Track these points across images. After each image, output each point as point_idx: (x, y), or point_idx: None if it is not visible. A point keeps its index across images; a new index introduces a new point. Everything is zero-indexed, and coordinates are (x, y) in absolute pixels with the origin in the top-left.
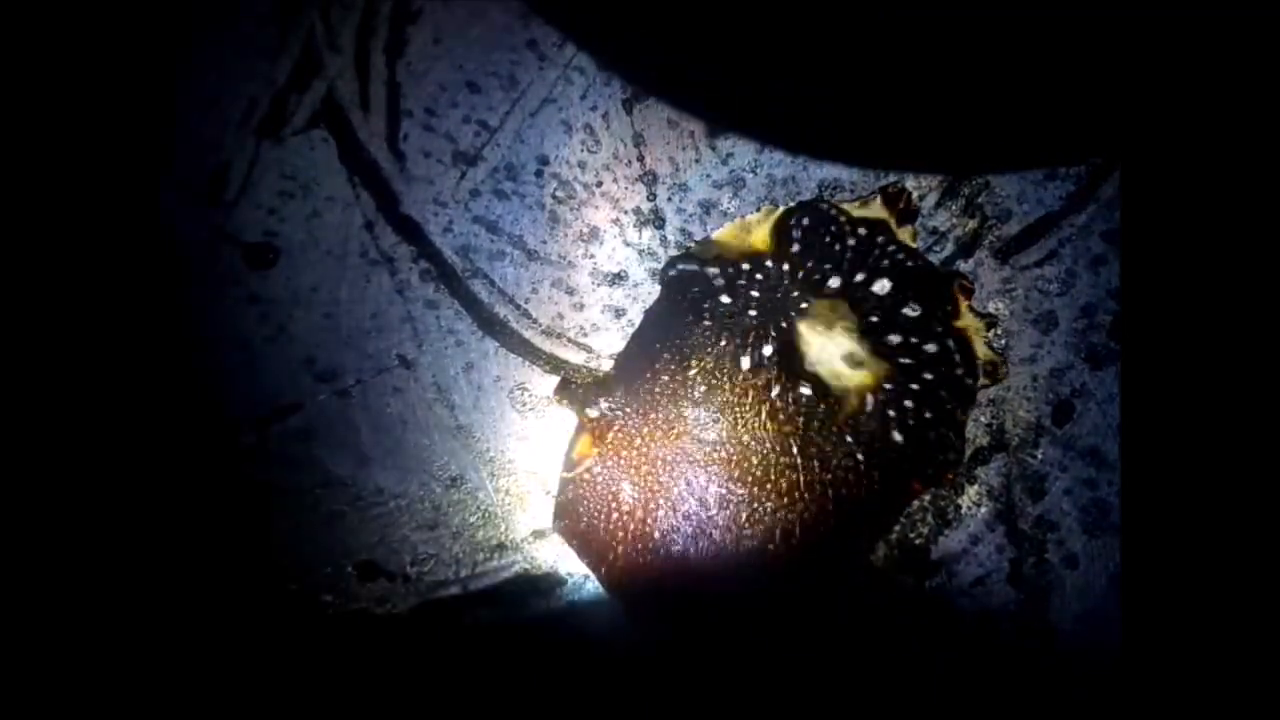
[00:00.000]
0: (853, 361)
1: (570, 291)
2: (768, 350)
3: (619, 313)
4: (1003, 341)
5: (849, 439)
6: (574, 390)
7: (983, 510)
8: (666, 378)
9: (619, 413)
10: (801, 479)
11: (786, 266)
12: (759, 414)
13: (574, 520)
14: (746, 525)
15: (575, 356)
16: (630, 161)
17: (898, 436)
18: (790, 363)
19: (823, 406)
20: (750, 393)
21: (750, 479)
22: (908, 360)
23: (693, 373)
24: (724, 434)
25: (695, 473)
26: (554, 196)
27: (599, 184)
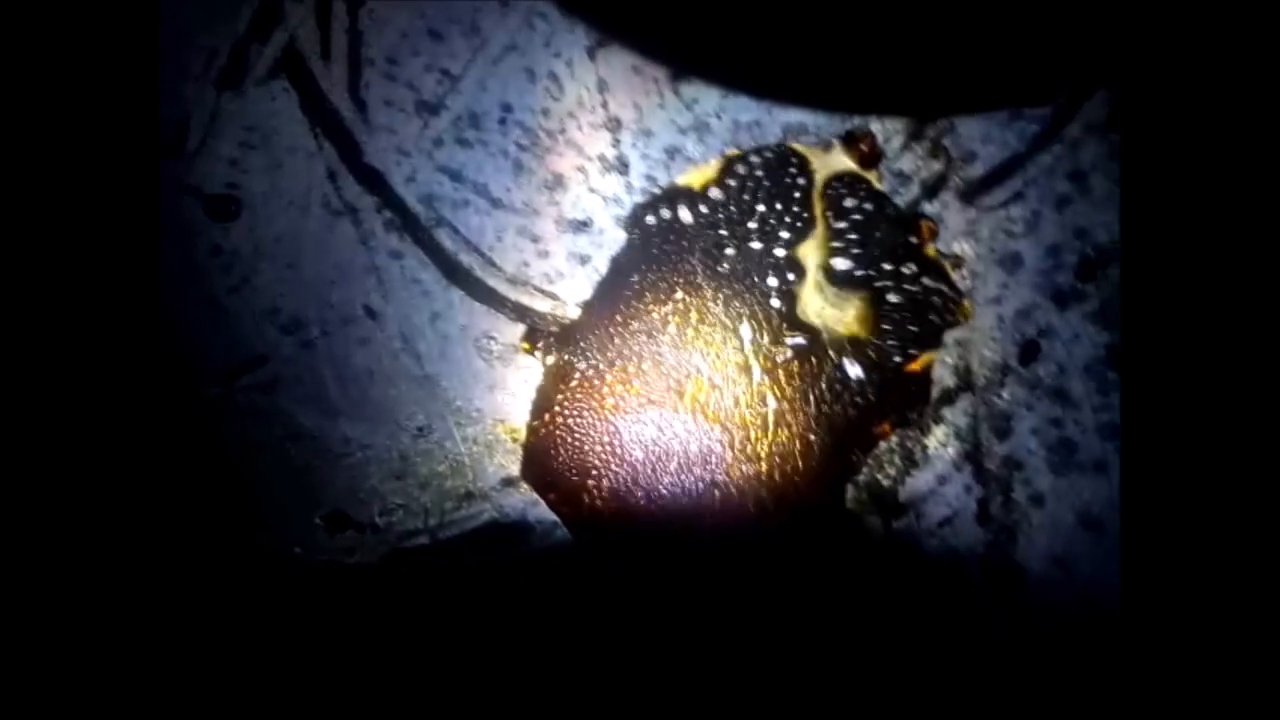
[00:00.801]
0: (822, 302)
1: (535, 239)
2: (737, 293)
3: (584, 260)
4: (968, 282)
5: (820, 380)
6: (541, 338)
7: (950, 450)
8: (634, 324)
9: (586, 360)
10: (773, 422)
11: (752, 210)
12: (728, 358)
13: (543, 468)
14: (716, 470)
15: (541, 304)
16: (594, 108)
17: (866, 377)
18: (759, 305)
19: (792, 348)
20: (720, 337)
21: (720, 423)
22: (876, 300)
23: (661, 318)
24: (693, 379)
25: (665, 418)
26: (518, 144)
27: (563, 131)
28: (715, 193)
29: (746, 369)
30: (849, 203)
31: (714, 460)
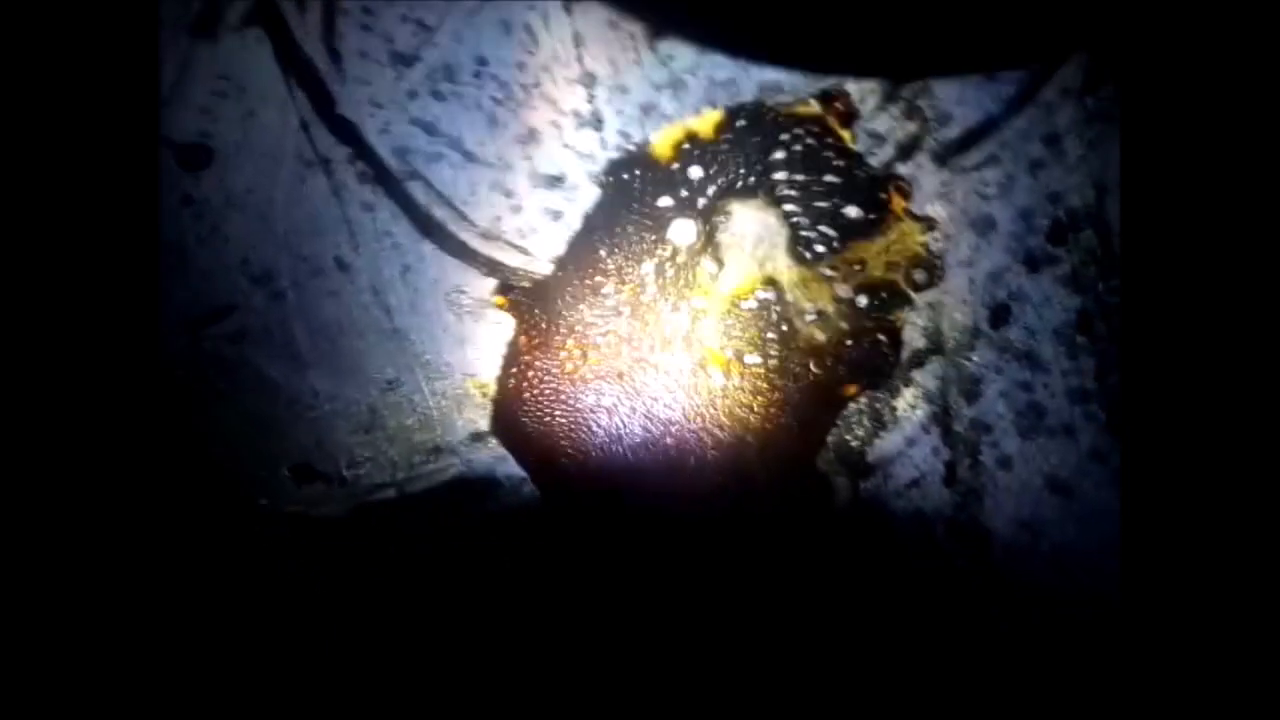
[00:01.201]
0: (795, 263)
1: (508, 194)
2: (710, 251)
3: (557, 215)
4: (941, 245)
5: (789, 338)
6: (512, 293)
7: (918, 413)
8: (605, 280)
9: (557, 316)
10: (745, 379)
11: (724, 166)
12: (698, 315)
13: (512, 423)
14: (686, 428)
15: (513, 259)
16: (569, 63)
17: (837, 338)
18: (733, 263)
19: (766, 308)
20: (690, 294)
21: (692, 380)
22: (847, 259)
23: (632, 274)
24: (662, 336)
25: (634, 376)
26: (492, 98)
27: (537, 85)
28: (688, 148)
29: (717, 325)
30: (821, 161)
31: (683, 417)
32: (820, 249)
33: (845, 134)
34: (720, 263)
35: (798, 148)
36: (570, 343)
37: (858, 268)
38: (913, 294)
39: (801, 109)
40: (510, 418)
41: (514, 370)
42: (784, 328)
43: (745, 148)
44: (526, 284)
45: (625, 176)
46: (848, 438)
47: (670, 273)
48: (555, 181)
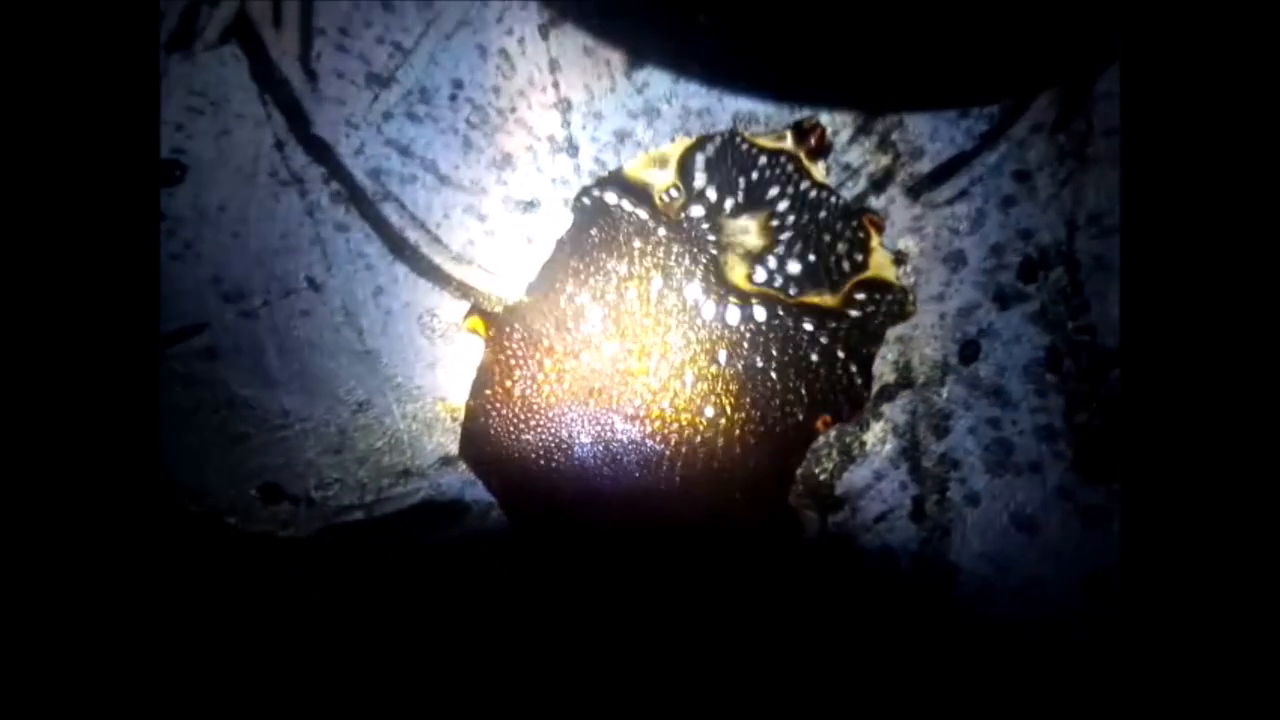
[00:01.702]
0: (767, 291)
1: (482, 218)
2: (681, 280)
3: (530, 240)
4: (912, 279)
5: (763, 370)
6: (484, 317)
7: (887, 447)
8: (577, 305)
9: (529, 341)
10: (715, 409)
11: (697, 195)
12: (672, 343)
13: (481, 448)
14: (657, 457)
15: (486, 283)
16: (545, 88)
17: (808, 370)
18: (706, 292)
19: (739, 338)
20: (663, 322)
21: (662, 409)
22: (821, 293)
23: (603, 301)
24: (636, 364)
25: (605, 402)
26: (467, 121)
27: (513, 110)
28: (662, 176)
29: (689, 353)
30: (791, 191)
31: (653, 445)
32: (793, 279)
33: (819, 166)
34: (693, 291)
35: (772, 178)
36: (541, 368)
37: (830, 299)
38: (883, 328)
39: (775, 140)
40: (480, 442)
41: (484, 394)
42: (756, 358)
43: (719, 177)
44: (499, 308)
45: (598, 203)
46: (817, 470)
47: (642, 301)
48: (530, 207)
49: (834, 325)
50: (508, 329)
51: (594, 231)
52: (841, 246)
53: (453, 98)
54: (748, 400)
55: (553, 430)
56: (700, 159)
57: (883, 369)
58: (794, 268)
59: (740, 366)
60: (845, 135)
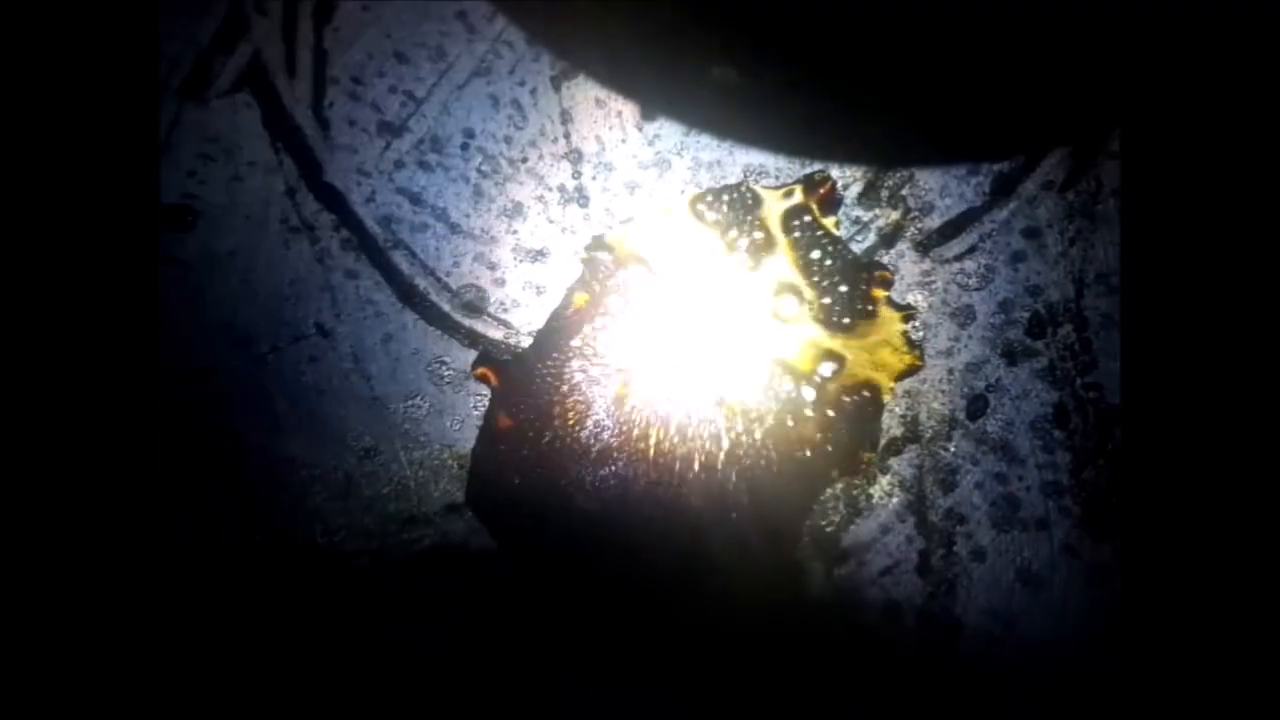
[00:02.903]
0: (778, 342)
1: (491, 266)
2: (692, 328)
3: (539, 290)
4: (920, 334)
5: (773, 420)
6: (492, 366)
7: (894, 500)
8: (587, 356)
9: (537, 390)
10: (726, 462)
11: (707, 246)
12: (680, 394)
13: (488, 496)
14: (666, 507)
15: (494, 332)
16: (556, 139)
17: (819, 424)
18: (715, 341)
19: (749, 387)
20: (672, 373)
21: (673, 461)
22: (831, 346)
23: (614, 351)
24: (644, 415)
25: (615, 453)
26: (479, 170)
27: (524, 160)
28: (672, 229)
29: (698, 403)
30: (805, 245)
31: (663, 498)
32: (803, 330)
33: (829, 220)
34: (703, 340)
35: (786, 232)
36: (549, 417)
37: (840, 351)
38: (892, 382)
39: (785, 193)
40: (486, 490)
41: (492, 443)
42: (767, 408)
43: (731, 231)
44: (507, 357)
45: (608, 253)
46: (823, 523)
47: (652, 350)
48: (539, 256)
49: (843, 376)
50: (516, 377)
51: (603, 280)
52: (852, 299)
53: (464, 147)
54: (759, 450)
55: (559, 478)
56: (713, 211)
57: (890, 422)
58: (807, 316)
59: (751, 413)
60: (855, 189)
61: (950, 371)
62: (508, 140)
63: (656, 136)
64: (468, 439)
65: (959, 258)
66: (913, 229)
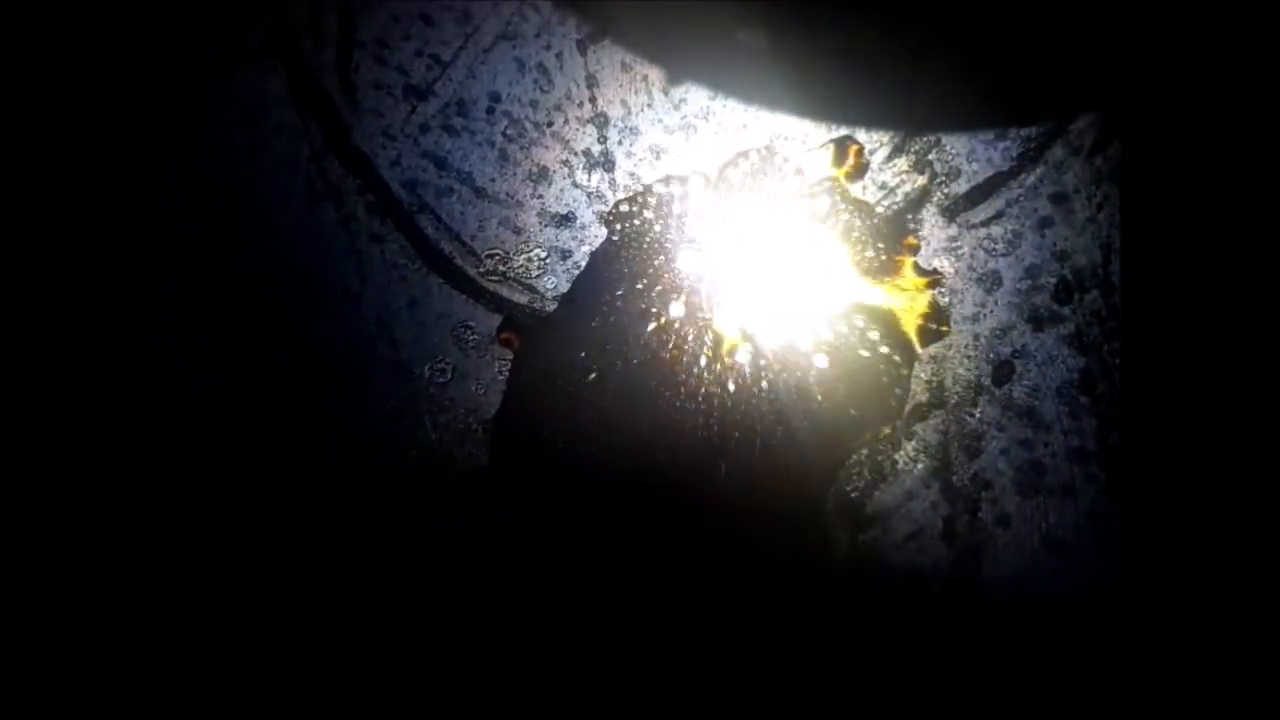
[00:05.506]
0: (803, 308)
1: (517, 231)
2: (714, 294)
3: (565, 254)
4: (946, 299)
5: (799, 385)
6: (517, 330)
7: (919, 466)
8: (612, 320)
9: (562, 354)
10: (747, 425)
11: (740, 212)
12: (709, 354)
13: (512, 461)
14: (689, 472)
15: (520, 296)
16: (582, 103)
17: (845, 388)
18: (741, 306)
19: (772, 353)
20: (696, 337)
21: (697, 422)
22: (856, 312)
23: (639, 315)
24: (670, 378)
25: (639, 418)
26: (504, 134)
27: (550, 124)
28: (698, 191)
29: (724, 365)
30: (830, 210)
31: (686, 460)
32: (829, 296)
33: (855, 184)
34: (730, 305)
35: (809, 195)
36: (573, 381)
37: (865, 316)
38: (918, 347)
39: (812, 157)
40: (511, 454)
41: (516, 407)
42: (794, 373)
43: (757, 194)
44: (532, 322)
45: (633, 218)
46: (848, 489)
47: (678, 314)
48: (565, 221)
49: (870, 340)
50: (541, 342)
51: (629, 245)
52: (878, 264)
53: (490, 111)
54: (785, 414)
55: (584, 443)
56: (743, 176)
57: (916, 388)
58: (832, 282)
59: (777, 381)
60: (882, 154)
61: (976, 337)
62: (533, 104)
63: (682, 101)
64: (492, 403)
65: (986, 223)
66: (939, 194)
